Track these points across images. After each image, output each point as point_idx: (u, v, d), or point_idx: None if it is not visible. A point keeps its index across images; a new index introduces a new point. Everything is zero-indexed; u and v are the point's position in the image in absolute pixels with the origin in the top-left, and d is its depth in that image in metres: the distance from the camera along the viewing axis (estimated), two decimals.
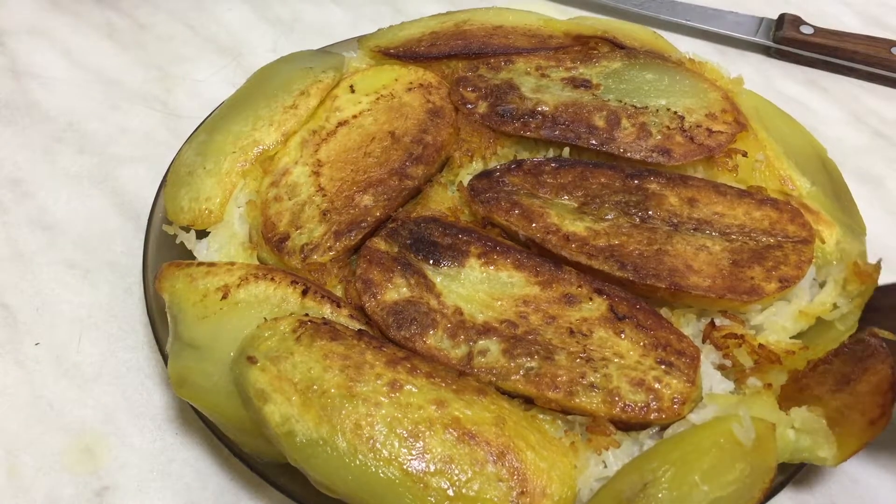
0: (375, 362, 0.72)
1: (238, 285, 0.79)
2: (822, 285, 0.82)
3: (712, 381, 0.75)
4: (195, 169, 0.90)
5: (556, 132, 0.91)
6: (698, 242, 0.81)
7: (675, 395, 0.71)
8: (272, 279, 0.79)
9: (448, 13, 1.10)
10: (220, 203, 0.88)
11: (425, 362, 0.74)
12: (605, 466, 0.71)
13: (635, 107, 0.94)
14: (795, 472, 0.75)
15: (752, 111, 0.97)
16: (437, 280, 0.79)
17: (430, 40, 1.03)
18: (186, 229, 0.88)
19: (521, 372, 0.73)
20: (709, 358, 0.77)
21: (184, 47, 1.26)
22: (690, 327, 0.80)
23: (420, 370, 0.72)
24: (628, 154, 0.90)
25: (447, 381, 0.72)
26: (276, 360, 0.72)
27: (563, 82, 0.97)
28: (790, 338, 0.79)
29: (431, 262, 0.80)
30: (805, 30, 1.25)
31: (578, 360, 0.73)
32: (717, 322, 0.79)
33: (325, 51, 1.07)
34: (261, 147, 0.92)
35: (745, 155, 0.91)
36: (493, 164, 0.91)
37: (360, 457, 0.67)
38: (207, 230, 0.88)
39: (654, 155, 0.89)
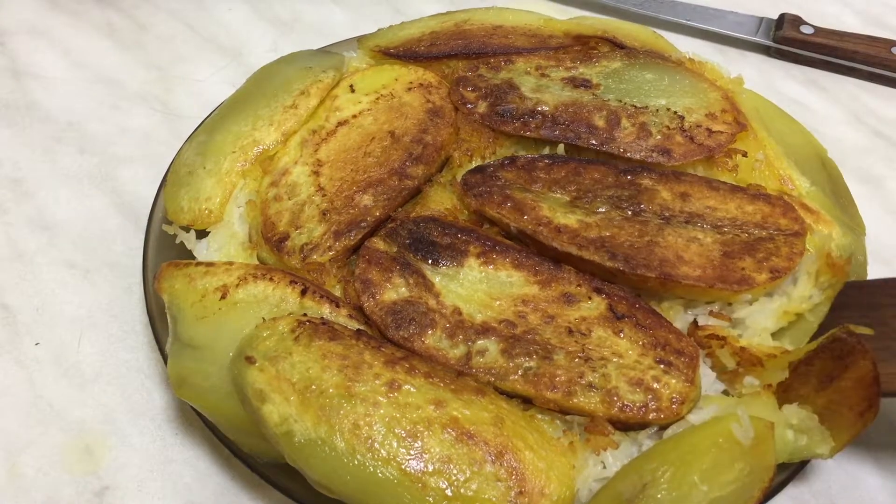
0: (374, 362, 0.72)
1: (237, 285, 0.79)
2: (794, 280, 0.82)
3: (706, 381, 0.75)
4: (195, 169, 0.90)
5: (556, 132, 0.91)
6: (689, 235, 0.81)
7: (674, 395, 0.71)
8: (271, 279, 0.79)
9: (448, 13, 1.10)
10: (219, 203, 0.88)
11: (424, 362, 0.74)
12: (604, 467, 0.71)
13: (635, 106, 0.94)
14: (796, 472, 0.75)
15: (753, 111, 0.97)
16: (436, 280, 0.79)
17: (430, 40, 1.03)
18: (186, 229, 0.88)
19: (520, 372, 0.73)
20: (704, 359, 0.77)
21: (184, 47, 1.26)
22: (679, 321, 0.79)
23: (418, 370, 0.72)
24: (628, 154, 0.89)
25: (445, 381, 0.72)
26: (274, 360, 0.72)
27: (563, 82, 0.97)
28: (772, 335, 0.79)
29: (430, 261, 0.80)
30: (805, 29, 1.25)
31: (577, 360, 0.73)
32: (701, 322, 0.78)
33: (324, 51, 1.07)
34: (261, 147, 0.92)
35: (744, 155, 0.90)
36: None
37: (358, 457, 0.67)
38: (207, 230, 0.88)
39: (654, 155, 0.89)
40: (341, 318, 0.78)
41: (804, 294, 0.80)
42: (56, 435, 0.85)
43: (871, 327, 0.72)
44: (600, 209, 0.83)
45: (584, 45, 1.03)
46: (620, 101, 0.94)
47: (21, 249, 1.00)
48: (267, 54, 1.21)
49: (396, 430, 0.68)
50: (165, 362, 0.79)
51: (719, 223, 0.82)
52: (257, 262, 0.85)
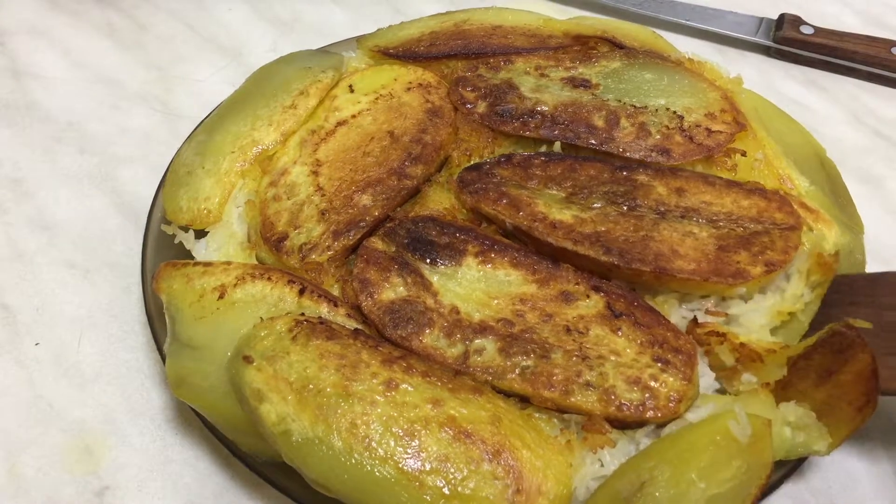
0: (371, 361, 0.72)
1: (235, 285, 0.79)
2: (787, 278, 0.82)
3: (704, 381, 0.75)
4: (194, 169, 0.91)
5: (556, 132, 0.91)
6: (685, 229, 0.81)
7: (672, 394, 0.71)
8: (269, 279, 0.80)
9: (447, 13, 1.10)
10: (218, 203, 0.88)
11: (421, 361, 0.74)
12: (602, 465, 0.71)
13: (634, 106, 0.94)
14: (793, 469, 0.75)
15: (752, 111, 0.97)
16: (434, 279, 0.79)
17: (429, 40, 1.03)
18: (185, 229, 0.88)
19: (517, 371, 0.73)
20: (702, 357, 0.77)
21: (184, 47, 1.26)
22: (674, 315, 0.80)
23: (416, 369, 0.72)
24: (627, 153, 0.89)
25: (443, 380, 0.72)
26: (272, 360, 0.72)
27: (562, 82, 0.97)
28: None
29: (428, 261, 0.80)
30: (805, 30, 1.25)
31: (574, 359, 0.73)
32: (700, 319, 0.78)
33: (324, 51, 1.07)
34: (260, 147, 0.92)
35: (744, 154, 0.90)
36: None
37: (355, 456, 0.67)
38: (206, 230, 0.88)
39: (654, 154, 0.89)
40: (339, 317, 0.78)
41: (797, 293, 0.80)
42: (56, 435, 0.85)
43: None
44: (596, 205, 0.83)
45: (584, 45, 1.04)
46: (620, 100, 0.94)
47: (21, 249, 1.00)
48: (267, 54, 1.22)
49: (394, 429, 0.68)
50: (164, 362, 0.79)
51: (715, 218, 0.82)
52: (256, 262, 0.85)
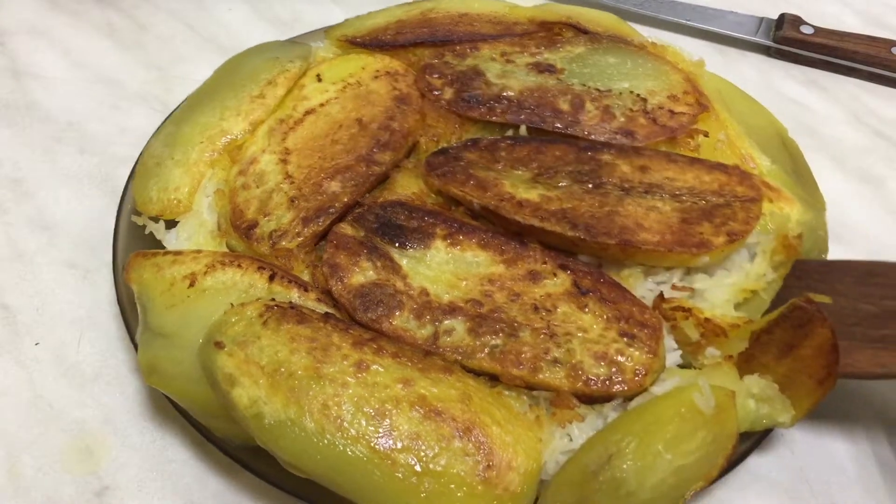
0: (342, 344, 0.73)
1: (205, 273, 0.80)
2: (752, 258, 0.84)
3: (669, 357, 0.77)
4: (163, 160, 0.91)
5: (522, 116, 0.92)
6: (649, 204, 0.82)
7: (638, 367, 0.73)
8: (239, 266, 0.80)
9: (414, 2, 1.11)
10: (188, 193, 0.89)
11: (391, 343, 0.74)
12: (571, 439, 0.72)
13: (599, 90, 0.95)
14: (759, 440, 0.76)
15: (715, 93, 0.98)
16: (404, 262, 0.80)
17: (395, 29, 1.04)
18: (155, 219, 0.88)
19: (486, 350, 0.74)
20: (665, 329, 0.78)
21: (184, 47, 1.26)
22: (639, 289, 0.81)
23: (386, 350, 0.73)
24: (592, 136, 0.91)
25: (413, 360, 0.73)
26: (243, 345, 0.72)
27: (527, 67, 0.98)
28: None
29: (397, 244, 0.81)
30: (805, 30, 1.25)
31: (542, 336, 0.74)
32: (667, 295, 0.80)
33: (292, 41, 1.07)
34: (228, 137, 0.92)
35: (706, 135, 0.92)
36: None
37: (328, 436, 0.68)
38: (176, 220, 0.88)
39: (618, 137, 0.90)
40: (310, 301, 0.78)
41: (760, 272, 0.82)
42: (56, 435, 0.85)
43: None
44: (561, 184, 0.84)
45: (549, 31, 1.05)
46: (584, 84, 0.96)
47: (21, 249, 1.00)
48: None
49: (365, 409, 0.69)
50: (136, 351, 0.79)
51: (678, 192, 0.84)
52: (226, 250, 0.86)
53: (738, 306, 0.81)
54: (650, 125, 0.91)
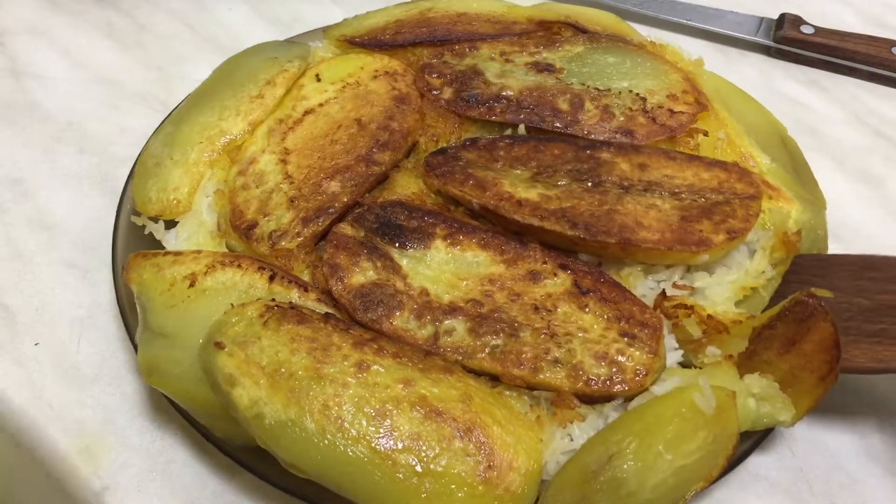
0: (342, 344, 0.73)
1: (205, 273, 0.80)
2: (751, 255, 0.84)
3: (670, 355, 0.77)
4: (162, 160, 0.91)
5: (521, 116, 0.92)
6: (648, 202, 0.83)
7: (638, 367, 0.73)
8: (239, 266, 0.80)
9: (413, 1, 1.10)
10: (187, 193, 0.89)
11: (392, 343, 0.74)
12: (571, 440, 0.72)
13: (598, 89, 0.95)
14: (760, 440, 0.76)
15: (714, 92, 0.99)
16: (404, 262, 0.80)
17: (394, 28, 1.04)
18: (155, 220, 0.88)
19: (487, 350, 0.74)
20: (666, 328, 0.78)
21: (184, 47, 1.26)
22: (639, 288, 0.81)
23: (387, 351, 0.73)
24: (592, 136, 0.91)
25: (414, 360, 0.73)
26: (243, 345, 0.72)
27: (526, 67, 0.98)
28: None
29: (397, 245, 0.81)
30: (806, 29, 1.25)
31: (543, 336, 0.74)
32: (668, 292, 0.80)
33: (290, 41, 1.07)
34: (228, 137, 0.92)
35: (706, 134, 0.92)
36: None
37: (328, 437, 0.68)
38: (176, 220, 0.88)
39: (618, 136, 0.91)
40: (310, 302, 0.78)
41: (759, 269, 0.82)
42: (56, 435, 0.85)
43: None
44: (561, 182, 0.84)
45: (548, 31, 1.05)
46: (584, 84, 0.96)
47: (21, 249, 0.99)
48: None
49: (366, 410, 0.69)
50: (136, 352, 0.79)
51: (677, 190, 0.84)
52: (226, 250, 0.86)
53: (738, 304, 0.81)
54: (649, 124, 0.91)
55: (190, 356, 0.75)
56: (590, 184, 0.84)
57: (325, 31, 1.06)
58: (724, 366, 0.75)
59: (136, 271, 0.82)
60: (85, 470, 0.82)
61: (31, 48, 1.23)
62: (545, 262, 0.80)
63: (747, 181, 0.85)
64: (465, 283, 0.79)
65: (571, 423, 0.72)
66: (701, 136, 0.92)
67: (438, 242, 0.81)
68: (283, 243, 0.83)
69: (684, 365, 0.78)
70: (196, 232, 0.87)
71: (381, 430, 0.68)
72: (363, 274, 0.79)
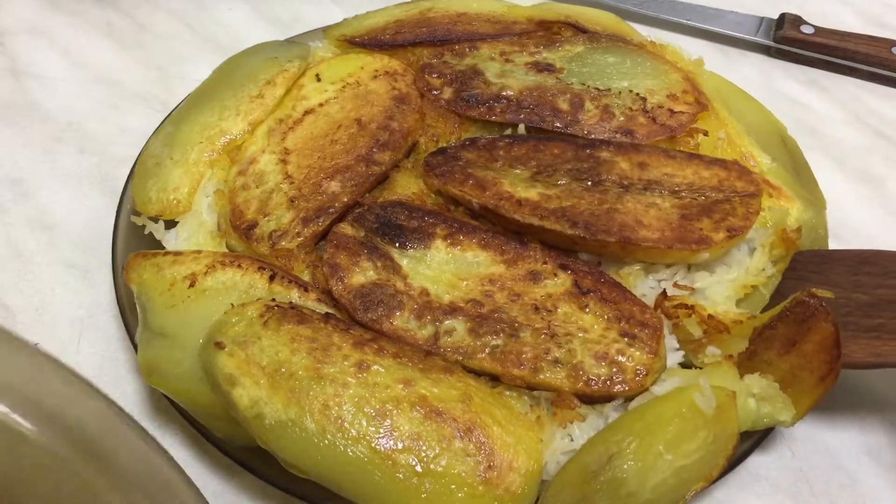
0: (343, 344, 0.73)
1: (205, 273, 0.80)
2: (751, 252, 0.84)
3: (670, 355, 0.77)
4: (162, 160, 0.91)
5: (521, 115, 0.92)
6: (648, 200, 0.83)
7: (639, 367, 0.73)
8: (239, 266, 0.80)
9: (413, 1, 1.10)
10: (187, 193, 0.88)
11: (392, 343, 0.74)
12: (571, 440, 0.72)
13: (598, 89, 0.95)
14: (760, 439, 0.76)
15: (714, 91, 0.99)
16: (404, 262, 0.80)
17: (394, 28, 1.04)
18: (155, 220, 0.88)
19: (487, 350, 0.74)
20: (667, 328, 0.78)
21: (184, 47, 1.25)
22: (640, 287, 0.81)
23: (387, 351, 0.73)
24: (592, 136, 0.91)
25: (414, 360, 0.73)
26: (243, 345, 0.72)
27: (526, 67, 0.98)
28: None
29: (398, 245, 0.81)
30: (806, 29, 1.25)
31: (543, 337, 0.74)
32: (669, 292, 0.80)
33: (290, 41, 1.07)
34: (228, 137, 0.92)
35: (706, 134, 0.92)
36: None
37: (328, 436, 0.68)
38: (176, 220, 0.88)
39: (618, 136, 0.91)
40: (310, 302, 0.78)
41: (759, 266, 0.82)
42: None
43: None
44: (561, 181, 0.84)
45: (548, 31, 1.05)
46: (584, 84, 0.96)
47: (21, 249, 0.99)
48: None
49: (366, 410, 0.69)
50: (136, 352, 0.79)
51: (677, 188, 0.84)
52: (226, 250, 0.86)
53: (738, 302, 0.81)
54: (649, 124, 0.91)
55: (190, 356, 0.75)
56: (589, 183, 0.84)
57: (325, 31, 1.06)
58: (725, 366, 0.75)
59: (136, 271, 0.82)
60: None
61: (31, 48, 1.23)
62: (545, 262, 0.80)
63: (747, 179, 0.85)
64: (465, 283, 0.79)
65: (571, 423, 0.72)
66: (701, 136, 0.92)
67: (438, 242, 0.81)
68: (284, 243, 0.83)
69: (685, 365, 0.78)
70: (196, 232, 0.87)
71: (382, 430, 0.68)
72: (363, 274, 0.79)
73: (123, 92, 1.18)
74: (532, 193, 0.83)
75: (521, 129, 0.91)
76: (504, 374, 0.73)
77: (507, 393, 0.74)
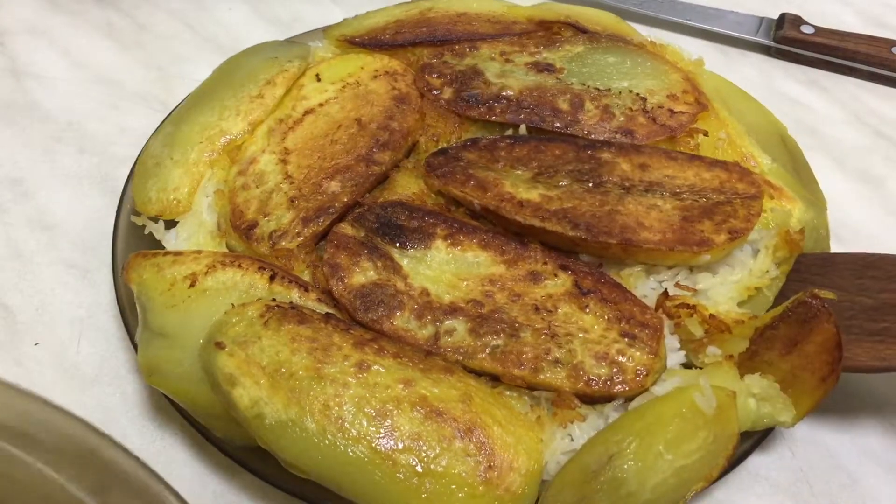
0: (343, 344, 0.73)
1: (205, 273, 0.80)
2: (754, 254, 0.84)
3: (671, 355, 0.77)
4: (162, 160, 0.91)
5: (521, 116, 0.92)
6: (649, 202, 0.83)
7: (639, 368, 0.73)
8: (239, 266, 0.80)
9: (413, 1, 1.10)
10: (187, 193, 0.89)
11: (392, 343, 0.75)
12: (572, 440, 0.72)
13: (598, 89, 0.95)
14: (760, 439, 0.76)
15: (714, 92, 0.99)
16: (404, 262, 0.80)
17: (394, 28, 1.04)
18: (155, 220, 0.88)
19: (487, 350, 0.74)
20: (668, 329, 0.78)
21: (183, 47, 1.25)
22: (641, 288, 0.81)
23: (387, 351, 0.73)
24: (592, 136, 0.91)
25: (414, 360, 0.73)
26: (243, 345, 0.72)
27: (526, 67, 0.98)
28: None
29: (398, 245, 0.81)
30: (806, 29, 1.25)
31: (543, 337, 0.74)
32: (671, 292, 0.80)
33: (290, 41, 1.07)
34: (228, 137, 0.92)
35: (706, 134, 0.92)
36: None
37: (329, 437, 0.68)
38: (176, 220, 0.88)
39: (618, 136, 0.91)
40: (310, 302, 0.78)
41: (763, 268, 0.82)
42: None
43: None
44: (562, 183, 0.84)
45: (548, 31, 1.05)
46: (584, 84, 0.96)
47: (21, 249, 0.99)
48: None
49: (366, 410, 0.69)
50: (136, 352, 0.79)
51: (678, 190, 0.84)
52: (226, 250, 0.86)
53: (742, 304, 0.81)
54: (650, 124, 0.91)
55: (190, 356, 0.75)
56: (591, 184, 0.84)
57: (325, 31, 1.06)
58: (725, 366, 0.75)
59: (136, 271, 0.82)
60: None
61: (31, 48, 1.23)
62: (546, 263, 0.80)
63: (749, 181, 0.85)
64: (465, 283, 0.79)
65: (572, 423, 0.72)
66: (701, 136, 0.92)
67: (439, 243, 0.81)
68: (284, 243, 0.83)
69: (685, 365, 0.78)
70: (196, 232, 0.87)
71: (382, 431, 0.68)
72: (364, 274, 0.79)
73: (123, 92, 1.18)
74: (533, 195, 0.83)
75: (523, 129, 0.91)
76: (504, 375, 0.73)
77: (508, 393, 0.74)
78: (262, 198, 0.87)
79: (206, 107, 0.95)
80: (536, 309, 0.77)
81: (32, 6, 1.29)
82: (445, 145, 0.91)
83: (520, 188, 0.84)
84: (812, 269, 0.82)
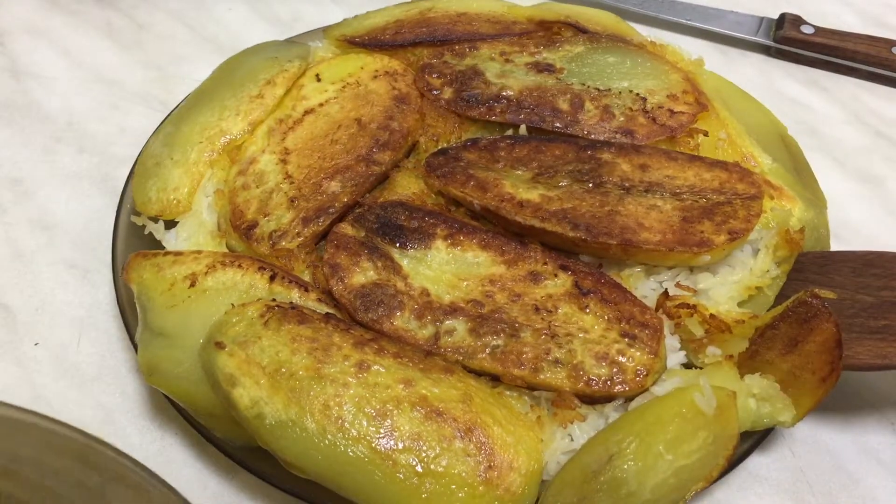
0: (343, 344, 0.73)
1: (205, 273, 0.80)
2: (755, 253, 0.84)
3: (671, 356, 0.77)
4: (162, 160, 0.91)
5: (521, 116, 0.92)
6: (649, 203, 0.83)
7: (639, 368, 0.73)
8: (239, 266, 0.80)
9: (413, 1, 1.10)
10: (187, 193, 0.89)
11: (393, 343, 0.75)
12: (572, 440, 0.72)
13: (598, 89, 0.95)
14: (760, 439, 0.76)
15: (714, 92, 0.99)
16: (404, 263, 0.80)
17: (394, 28, 1.04)
18: (155, 220, 0.88)
19: (487, 350, 0.74)
20: (668, 329, 0.78)
21: (183, 47, 1.26)
22: (641, 289, 0.81)
23: (387, 351, 0.73)
24: (592, 136, 0.91)
25: (414, 360, 0.73)
26: (244, 345, 0.72)
27: (526, 67, 0.98)
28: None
29: (398, 245, 0.81)
30: (806, 29, 1.25)
31: (543, 337, 0.74)
32: (671, 292, 0.80)
33: (290, 41, 1.07)
34: (228, 137, 0.92)
35: (706, 134, 0.92)
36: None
37: (329, 437, 0.68)
38: (176, 220, 0.88)
39: (618, 136, 0.91)
40: (310, 302, 0.78)
41: (763, 268, 0.82)
42: None
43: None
44: (562, 183, 0.84)
45: (548, 31, 1.05)
46: (584, 84, 0.95)
47: (21, 249, 0.99)
48: None
49: (366, 410, 0.69)
50: (136, 352, 0.79)
51: (678, 191, 0.84)
52: (226, 251, 0.86)
53: (742, 304, 0.81)
54: (650, 124, 0.91)
55: (190, 356, 0.75)
56: (591, 185, 0.84)
57: (325, 31, 1.06)
58: (725, 366, 0.75)
59: (136, 271, 0.82)
60: None
61: (31, 48, 1.23)
62: (546, 263, 0.80)
63: (749, 181, 0.85)
64: (465, 283, 0.79)
65: (572, 423, 0.72)
66: (701, 137, 0.92)
67: (439, 243, 0.81)
68: (284, 243, 0.83)
69: (685, 365, 0.78)
70: (196, 232, 0.87)
71: (382, 431, 0.68)
72: (364, 274, 0.79)
73: (123, 92, 1.18)
74: (533, 195, 0.83)
75: (523, 129, 0.91)
76: (504, 375, 0.73)
77: (508, 393, 0.74)
78: (262, 198, 0.87)
79: (205, 107, 0.95)
80: (536, 309, 0.77)
81: (32, 6, 1.29)
82: (445, 145, 0.91)
83: (520, 188, 0.84)
84: (812, 267, 0.82)
